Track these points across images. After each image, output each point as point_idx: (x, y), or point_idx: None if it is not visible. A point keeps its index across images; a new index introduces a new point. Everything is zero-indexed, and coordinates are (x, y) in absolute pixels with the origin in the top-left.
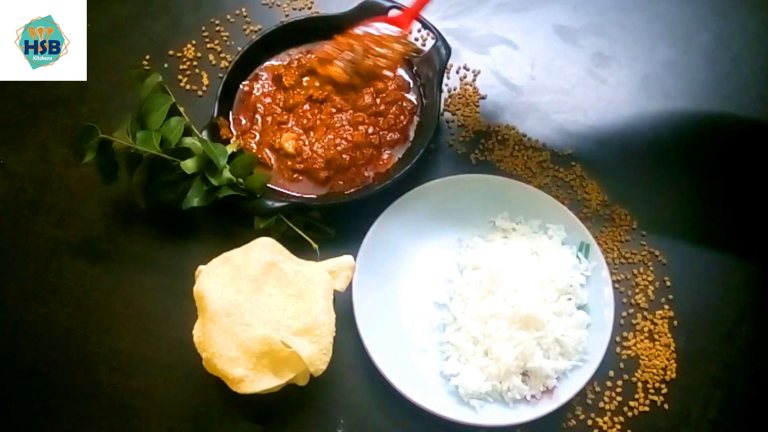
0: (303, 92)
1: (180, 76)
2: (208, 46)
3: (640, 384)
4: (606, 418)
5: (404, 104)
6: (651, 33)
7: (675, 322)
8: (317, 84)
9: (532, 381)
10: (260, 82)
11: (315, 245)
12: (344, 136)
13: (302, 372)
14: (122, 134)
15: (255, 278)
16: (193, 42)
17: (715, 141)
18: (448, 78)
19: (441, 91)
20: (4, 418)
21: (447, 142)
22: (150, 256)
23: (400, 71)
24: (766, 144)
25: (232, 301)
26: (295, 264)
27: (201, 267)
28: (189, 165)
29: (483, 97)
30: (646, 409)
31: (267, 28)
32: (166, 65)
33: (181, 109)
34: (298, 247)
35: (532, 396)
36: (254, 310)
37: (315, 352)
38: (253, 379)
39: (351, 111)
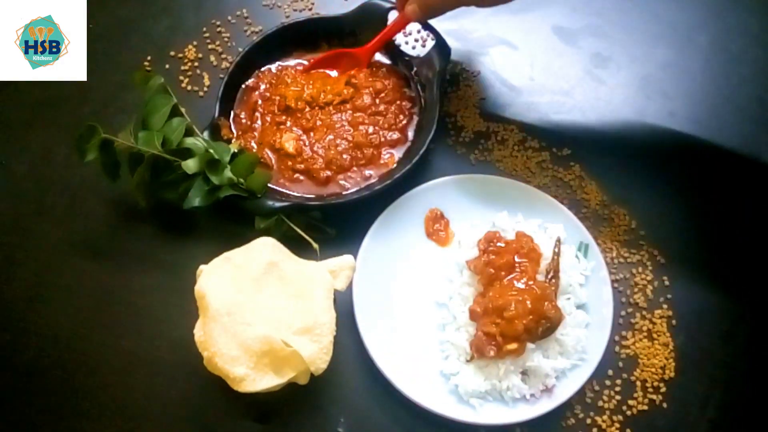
0: (303, 92)
1: (181, 77)
2: (209, 47)
3: (639, 383)
4: (605, 417)
5: (404, 104)
6: (650, 34)
7: (674, 322)
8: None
9: (532, 380)
10: (261, 82)
11: (315, 245)
12: (344, 136)
13: (303, 371)
14: (126, 135)
15: (256, 278)
16: (194, 43)
17: (714, 141)
18: (448, 78)
19: (441, 91)
20: (4, 418)
21: (447, 142)
22: (151, 255)
23: (400, 71)
24: (765, 143)
25: (233, 301)
26: (295, 264)
27: (202, 267)
28: (190, 165)
29: (483, 98)
30: (645, 408)
31: (268, 29)
32: (167, 66)
33: (183, 110)
34: (298, 247)
35: (532, 395)
36: (255, 309)
37: (315, 351)
38: (254, 378)
39: (351, 111)
